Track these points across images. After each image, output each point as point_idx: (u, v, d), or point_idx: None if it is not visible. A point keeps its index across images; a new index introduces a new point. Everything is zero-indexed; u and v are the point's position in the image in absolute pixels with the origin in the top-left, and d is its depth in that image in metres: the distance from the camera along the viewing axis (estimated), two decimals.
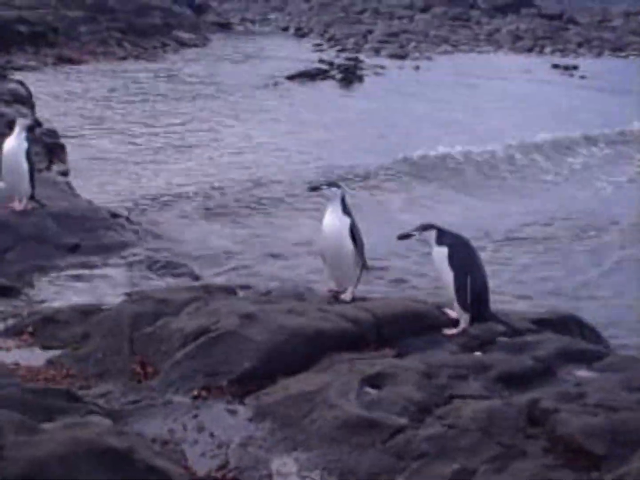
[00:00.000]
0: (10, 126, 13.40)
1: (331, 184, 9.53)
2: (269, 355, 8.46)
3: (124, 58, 36.67)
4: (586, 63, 43.61)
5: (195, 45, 41.58)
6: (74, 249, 12.55)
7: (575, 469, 7.02)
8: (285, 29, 50.45)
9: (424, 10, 60.77)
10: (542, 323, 10.08)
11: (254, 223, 16.26)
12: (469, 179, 22.13)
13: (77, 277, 11.71)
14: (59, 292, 11.15)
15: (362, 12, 58.79)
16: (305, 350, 8.68)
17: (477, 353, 8.88)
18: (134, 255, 12.66)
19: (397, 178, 21.15)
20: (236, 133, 24.05)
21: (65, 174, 17.90)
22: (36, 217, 12.84)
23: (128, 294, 10.94)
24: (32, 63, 31.79)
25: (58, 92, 27.40)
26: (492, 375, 8.41)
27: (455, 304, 8.81)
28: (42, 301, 10.77)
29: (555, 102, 32.92)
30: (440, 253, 8.74)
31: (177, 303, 9.66)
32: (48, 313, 9.86)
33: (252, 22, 51.60)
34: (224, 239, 15.20)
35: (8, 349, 9.16)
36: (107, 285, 11.40)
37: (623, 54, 49.00)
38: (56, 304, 10.53)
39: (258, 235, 15.58)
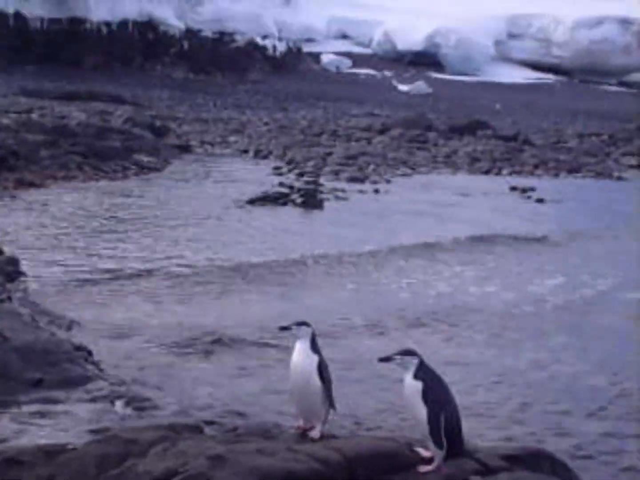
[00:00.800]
0: None
1: (300, 323, 9.40)
2: None
3: (84, 181, 36.64)
4: (543, 184, 44.08)
5: (156, 169, 41.66)
6: (37, 383, 12.39)
7: None
8: (245, 151, 50.67)
9: (382, 132, 61.42)
10: (513, 459, 10.03)
11: (217, 361, 16.13)
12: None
13: (41, 414, 11.52)
14: (21, 430, 10.95)
15: (320, 134, 59.34)
16: None
17: None
18: (98, 389, 12.51)
19: None
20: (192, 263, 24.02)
21: (23, 297, 17.79)
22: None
23: (94, 432, 10.84)
24: None
25: (18, 217, 27.35)
26: None
27: (429, 442, 8.56)
28: (4, 440, 10.57)
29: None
30: (413, 387, 8.52)
31: (143, 443, 9.53)
32: (11, 454, 9.66)
33: (212, 144, 51.72)
34: (189, 372, 15.09)
35: None
36: (71, 422, 11.22)
37: (579, 174, 49.61)
38: (20, 442, 10.34)
39: (223, 372, 15.45)
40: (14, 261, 20.02)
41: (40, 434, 10.84)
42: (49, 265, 21.72)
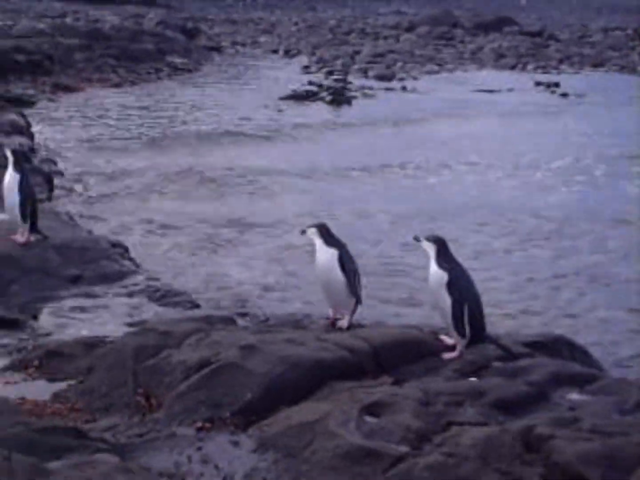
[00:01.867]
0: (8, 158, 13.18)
1: (311, 225, 9.71)
2: (270, 387, 8.43)
3: (118, 84, 36.53)
4: (567, 79, 43.54)
5: (189, 70, 41.47)
6: (76, 280, 12.49)
7: None
8: (275, 51, 50.34)
9: (409, 29, 60.88)
10: (534, 346, 10.06)
11: (250, 251, 16.16)
12: None
13: (80, 308, 11.64)
14: (62, 324, 11.08)
15: (348, 33, 58.87)
16: (305, 380, 8.64)
17: (472, 379, 8.85)
18: (134, 284, 12.60)
19: None
20: (234, 155, 23.96)
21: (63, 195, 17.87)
22: (39, 249, 12.80)
23: (131, 325, 10.95)
24: (30, 92, 31.64)
25: (56, 120, 27.32)
26: (487, 401, 8.38)
27: (452, 330, 8.75)
28: (47, 334, 10.70)
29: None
30: (439, 276, 8.72)
31: (178, 335, 9.63)
32: (53, 347, 9.81)
33: (243, 44, 51.34)
34: (222, 267, 15.15)
35: (14, 383, 9.08)
36: (109, 316, 11.34)
37: (603, 68, 48.98)
38: (60, 337, 10.46)
39: (254, 263, 15.49)
40: (52, 162, 20.09)
41: (79, 328, 10.97)
42: (86, 166, 21.75)
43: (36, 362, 9.51)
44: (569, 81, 43.61)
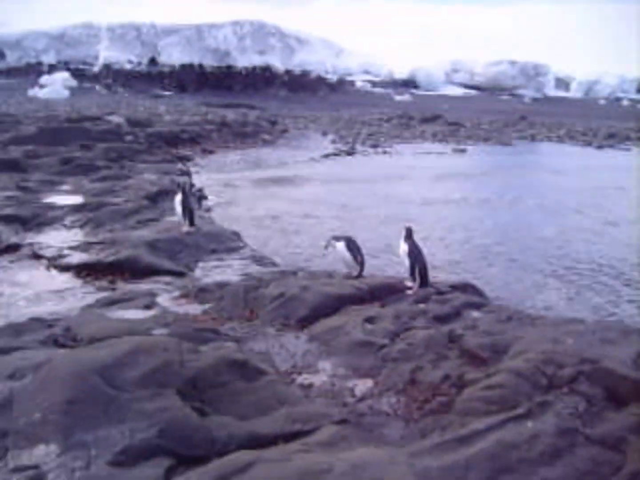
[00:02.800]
0: (178, 187, 13.57)
1: (335, 237, 10.30)
2: (315, 307, 8.56)
3: (234, 149, 36.88)
4: (470, 147, 43.60)
5: (272, 142, 41.74)
6: (213, 251, 12.51)
7: (474, 366, 6.96)
8: (317, 131, 50.37)
9: (387, 121, 61.09)
10: (454, 287, 10.04)
11: (305, 236, 16.17)
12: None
13: (215, 266, 11.67)
14: (206, 274, 11.10)
15: (354, 122, 58.76)
16: (333, 305, 8.80)
17: (421, 305, 8.93)
18: (244, 254, 12.62)
19: None
20: (295, 187, 23.96)
21: (208, 210, 17.90)
22: (195, 236, 12.84)
23: (243, 275, 10.95)
24: (189, 153, 31.86)
25: (203, 167, 27.41)
26: (429, 316, 8.59)
27: (410, 277, 9.17)
28: (198, 279, 10.73)
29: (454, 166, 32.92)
30: (404, 249, 9.29)
31: (267, 280, 9.71)
32: (201, 285, 9.84)
33: (299, 129, 51.64)
34: (291, 243, 15.18)
35: (182, 305, 9.11)
36: (231, 271, 11.35)
37: (490, 142, 48.87)
38: (205, 281, 10.49)
39: (306, 243, 15.49)
40: (201, 189, 20.17)
41: (215, 276, 10.97)
42: (219, 190, 21.85)
43: (194, 294, 9.53)
44: (471, 147, 43.67)
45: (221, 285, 9.74)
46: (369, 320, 8.09)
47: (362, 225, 17.21)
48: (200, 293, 9.57)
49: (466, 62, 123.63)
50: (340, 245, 9.81)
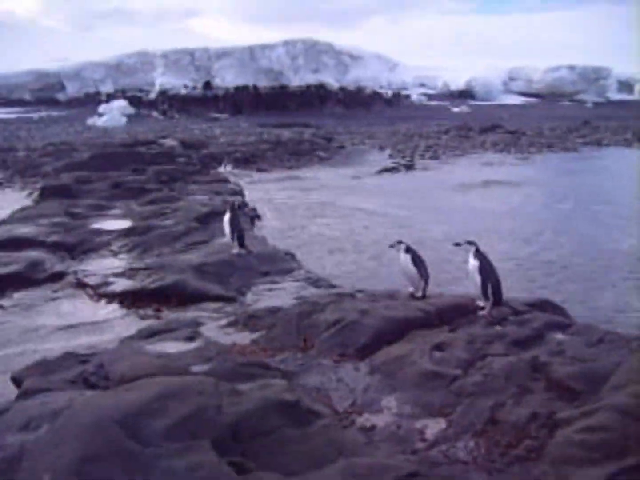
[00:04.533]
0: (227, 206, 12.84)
1: (399, 242, 9.24)
2: (376, 334, 7.73)
3: (290, 168, 36.11)
4: (533, 156, 42.10)
5: (328, 158, 41.05)
6: (266, 274, 11.75)
7: (565, 400, 5.96)
8: (373, 146, 49.49)
9: (445, 132, 59.71)
10: (531, 305, 9.04)
11: (355, 256, 15.25)
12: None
13: (268, 289, 10.90)
14: (258, 299, 10.34)
15: (412, 136, 57.57)
16: (396, 330, 7.89)
17: (497, 327, 7.94)
18: (298, 275, 11.81)
19: None
20: (354, 202, 23.08)
21: (260, 228, 17.22)
22: (246, 258, 12.10)
23: (297, 299, 10.20)
24: (244, 172, 31.41)
25: (257, 186, 26.80)
26: (507, 340, 7.57)
27: (482, 297, 8.28)
28: (249, 304, 9.96)
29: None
30: (473, 264, 8.28)
31: (323, 304, 8.83)
32: (252, 312, 9.06)
33: (356, 144, 50.85)
34: (346, 266, 14.27)
35: (229, 334, 8.34)
36: (284, 294, 10.57)
37: (553, 149, 47.12)
38: (257, 306, 9.71)
39: (360, 262, 14.59)
40: (254, 209, 19.49)
41: (267, 301, 10.21)
42: (271, 211, 21.13)
43: (243, 321, 8.78)
44: (535, 156, 42.19)
45: (273, 311, 8.94)
46: (438, 347, 7.15)
47: (424, 240, 16.22)
48: (250, 320, 8.79)
49: (524, 69, 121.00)
50: (406, 258, 8.88)
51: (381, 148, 48.40)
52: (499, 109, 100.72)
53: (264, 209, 20.79)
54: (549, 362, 6.47)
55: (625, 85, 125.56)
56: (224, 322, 8.89)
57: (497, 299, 8.27)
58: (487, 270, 8.25)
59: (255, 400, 5.12)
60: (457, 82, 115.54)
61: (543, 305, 9.08)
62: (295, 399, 5.39)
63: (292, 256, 13.13)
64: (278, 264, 12.28)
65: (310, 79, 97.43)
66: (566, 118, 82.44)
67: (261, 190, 25.77)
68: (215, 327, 8.69)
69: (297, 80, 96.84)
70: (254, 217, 18.48)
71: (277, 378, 6.14)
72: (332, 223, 18.99)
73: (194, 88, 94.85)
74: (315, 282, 11.37)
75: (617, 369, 6.10)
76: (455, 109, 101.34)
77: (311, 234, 17.47)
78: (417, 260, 8.92)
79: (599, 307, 11.47)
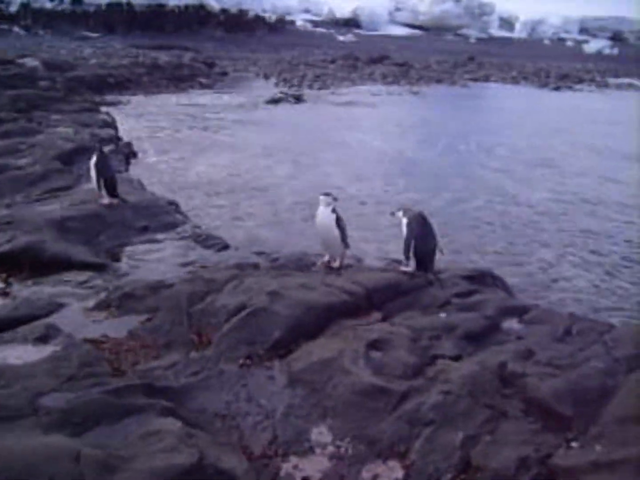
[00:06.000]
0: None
1: (326, 194, 7.24)
2: (293, 326, 5.96)
3: (169, 93, 33.35)
4: (424, 89, 41.09)
5: (209, 86, 38.32)
6: (144, 230, 9.74)
7: (555, 431, 4.52)
8: (257, 74, 46.94)
9: (332, 62, 57.83)
10: (470, 277, 7.68)
11: (258, 201, 13.39)
12: None
13: (147, 252, 8.93)
14: (135, 265, 8.35)
15: (298, 64, 55.04)
16: (318, 320, 6.17)
17: (442, 314, 6.42)
18: (184, 231, 9.87)
19: None
20: (244, 137, 20.92)
21: (136, 168, 14.94)
22: (120, 209, 10.00)
23: (184, 265, 8.37)
24: (117, 99, 28.37)
25: (132, 116, 24.00)
26: (458, 334, 6.07)
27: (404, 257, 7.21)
28: (124, 274, 7.98)
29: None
30: (403, 222, 7.18)
31: (220, 282, 7.01)
32: (128, 290, 7.09)
33: (239, 71, 48.08)
34: (240, 217, 12.35)
35: (100, 321, 6.42)
36: (168, 258, 8.66)
37: (442, 83, 46.51)
38: (135, 277, 7.76)
39: (257, 210, 12.73)
40: (129, 144, 16.97)
41: (147, 269, 8.27)
42: (149, 143, 18.61)
43: (116, 302, 6.85)
44: (426, 89, 41.19)
45: (155, 288, 7.03)
46: (375, 345, 5.58)
47: (328, 182, 14.56)
48: (126, 301, 6.87)
49: (410, 0, 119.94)
50: (329, 218, 7.19)
51: (266, 76, 45.90)
52: (386, 39, 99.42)
53: (143, 144, 18.26)
54: (522, 373, 5.06)
55: (507, 22, 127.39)
56: (91, 302, 6.92)
57: (423, 265, 7.04)
58: (415, 230, 7.01)
59: (141, 475, 3.35)
60: (343, 10, 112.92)
61: (482, 278, 7.73)
62: (195, 460, 3.66)
63: (176, 206, 11.12)
64: (159, 216, 10.26)
65: None
66: (452, 52, 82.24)
67: (138, 120, 23.01)
68: (79, 310, 6.71)
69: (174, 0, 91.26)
70: (129, 154, 16.03)
71: (165, 412, 4.36)
72: (222, 162, 16.88)
73: (61, 2, 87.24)
74: (205, 240, 9.50)
75: (617, 381, 4.81)
76: (341, 38, 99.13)
77: (199, 174, 15.35)
78: (342, 223, 7.29)
79: (529, 274, 10.27)
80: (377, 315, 6.33)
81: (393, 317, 6.28)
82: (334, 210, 7.25)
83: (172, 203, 11.06)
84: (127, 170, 14.07)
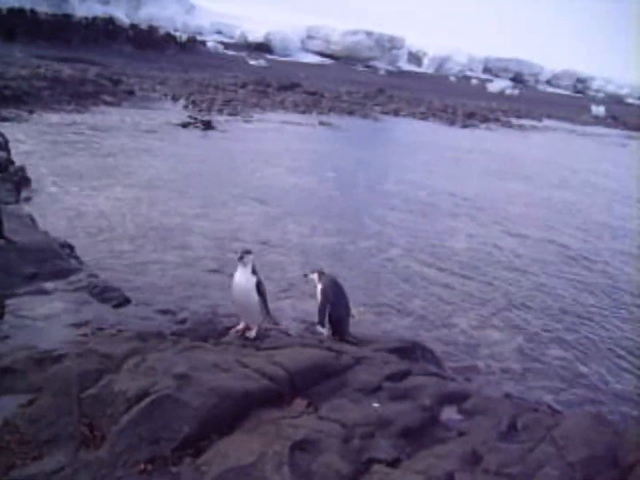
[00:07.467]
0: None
1: (247, 252, 6.40)
2: (205, 419, 5.06)
3: (71, 111, 31.56)
4: (335, 121, 41.00)
5: (114, 104, 36.71)
6: (32, 278, 8.59)
7: None
8: (165, 95, 45.66)
9: (242, 86, 56.99)
10: (399, 350, 7.06)
11: (162, 245, 12.32)
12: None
13: (34, 307, 7.78)
14: (18, 326, 7.17)
15: (207, 86, 54.06)
16: (234, 411, 5.29)
17: (375, 404, 5.74)
18: (79, 280, 8.78)
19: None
20: (149, 167, 19.77)
21: (28, 199, 13.67)
22: (2, 251, 8.82)
23: (76, 325, 7.34)
24: (12, 115, 26.56)
25: (29, 136, 22.41)
26: (394, 431, 5.36)
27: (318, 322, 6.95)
28: (5, 337, 6.85)
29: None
30: (318, 288, 6.97)
31: (117, 357, 5.99)
32: (7, 362, 6.00)
33: (147, 91, 46.59)
34: (144, 259, 11.28)
35: None
36: (58, 315, 7.55)
37: (354, 115, 46.75)
38: (15, 342, 6.63)
39: (162, 256, 11.69)
40: (22, 169, 15.55)
41: (32, 331, 7.16)
42: (47, 172, 17.18)
43: None
44: (337, 121, 41.02)
45: (40, 362, 5.99)
46: (301, 446, 4.79)
47: (240, 228, 13.72)
48: (3, 377, 5.80)
49: (322, 29, 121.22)
50: (247, 281, 6.36)
51: (174, 98, 44.69)
52: (297, 66, 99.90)
53: (38, 169, 16.77)
54: None
55: (415, 57, 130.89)
56: None
57: (339, 330, 6.95)
58: (330, 295, 6.87)
59: None
60: (255, 34, 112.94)
61: (412, 350, 7.12)
62: None
63: (71, 249, 9.99)
64: (50, 261, 9.11)
65: (99, 10, 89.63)
66: (362, 83, 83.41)
67: (35, 140, 21.42)
68: None
69: (83, 10, 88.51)
70: (21, 181, 14.61)
71: None
72: (126, 196, 15.72)
73: None
74: (102, 292, 8.45)
75: None
76: (253, 62, 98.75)
77: (100, 210, 14.13)
78: (262, 288, 6.48)
79: (449, 334, 9.75)
80: (301, 402, 5.55)
81: (320, 407, 5.52)
82: (254, 272, 6.46)
83: (66, 245, 9.92)
84: (17, 201, 12.72)
